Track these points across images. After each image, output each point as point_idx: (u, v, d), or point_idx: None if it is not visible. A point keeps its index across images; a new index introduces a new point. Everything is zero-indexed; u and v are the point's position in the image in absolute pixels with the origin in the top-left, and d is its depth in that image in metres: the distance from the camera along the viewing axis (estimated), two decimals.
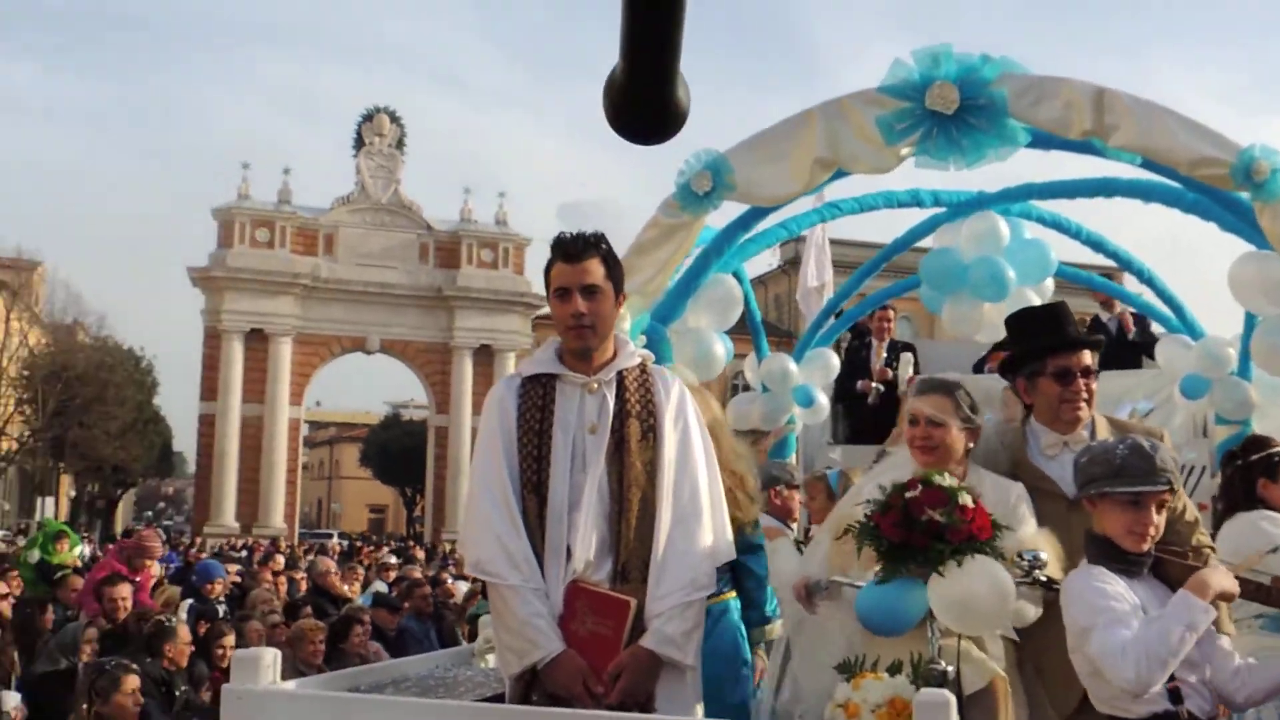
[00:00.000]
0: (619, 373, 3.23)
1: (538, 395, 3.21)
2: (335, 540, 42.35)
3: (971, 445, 3.58)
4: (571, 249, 3.20)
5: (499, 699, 3.22)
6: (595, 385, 3.19)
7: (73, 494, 52.24)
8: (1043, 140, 4.69)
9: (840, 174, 4.95)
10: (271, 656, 3.09)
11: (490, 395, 3.34)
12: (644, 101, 1.37)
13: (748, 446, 4.21)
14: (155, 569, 11.16)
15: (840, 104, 4.68)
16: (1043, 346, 3.78)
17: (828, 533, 3.73)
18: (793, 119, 4.85)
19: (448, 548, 31.33)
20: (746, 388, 8.46)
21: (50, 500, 42.63)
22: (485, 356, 49.77)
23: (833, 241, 11.16)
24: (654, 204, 5.07)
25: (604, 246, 3.24)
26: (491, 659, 3.77)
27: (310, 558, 20.09)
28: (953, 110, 4.38)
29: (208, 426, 46.91)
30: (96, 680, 5.46)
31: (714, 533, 3.20)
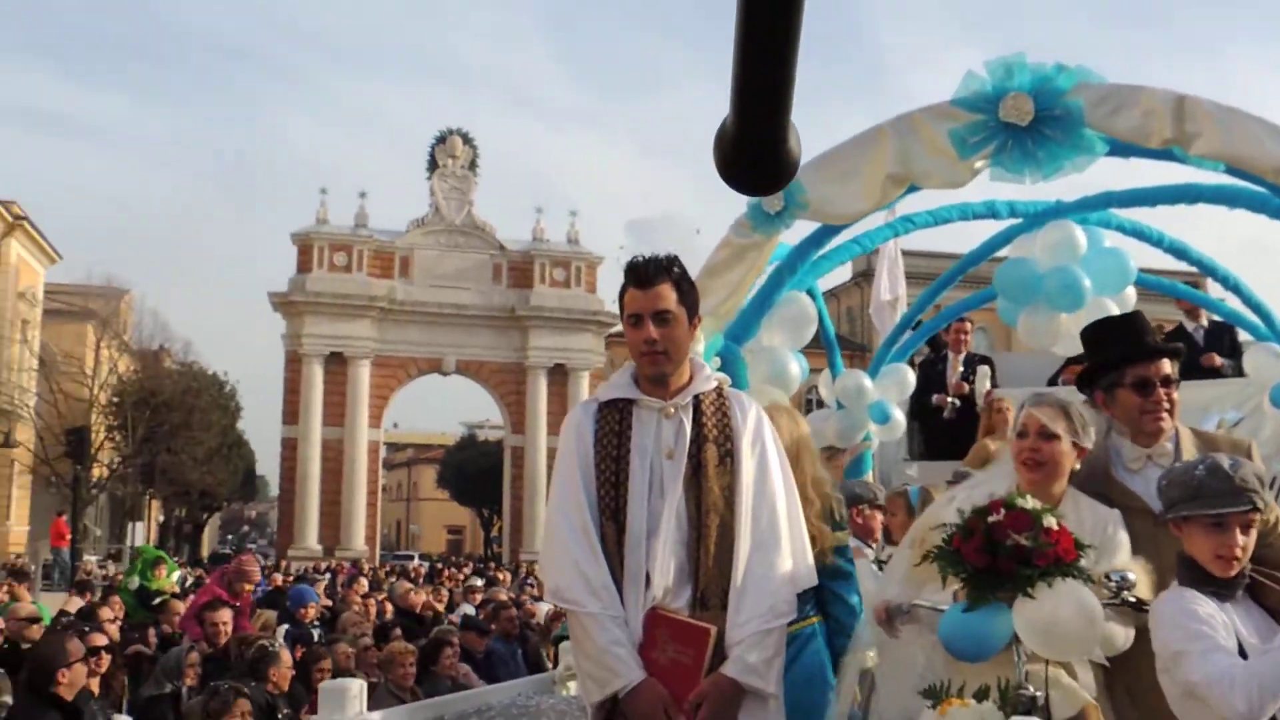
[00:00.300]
0: (695, 397, 3.20)
1: (614, 420, 3.20)
2: (417, 562, 42.79)
3: (1076, 465, 3.47)
4: (643, 274, 3.18)
5: None
6: (672, 410, 3.17)
7: (161, 518, 53.38)
8: (1121, 148, 4.59)
9: (913, 189, 4.90)
10: (358, 687, 3.12)
11: (567, 421, 3.34)
12: (756, 153, 1.37)
13: (827, 472, 4.13)
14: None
15: (911, 119, 4.63)
16: (1120, 356, 3.69)
17: (907, 550, 3.66)
18: (863, 135, 4.82)
19: (530, 568, 31.42)
20: (820, 404, 8.39)
21: (140, 525, 43.66)
22: (559, 376, 49.98)
23: (906, 253, 11.05)
24: (724, 219, 5.05)
25: (676, 270, 3.21)
26: (573, 686, 3.77)
27: (392, 580, 20.33)
28: (1027, 122, 4.31)
29: (290, 450, 47.67)
30: (210, 702, 5.62)
31: (793, 558, 3.16)
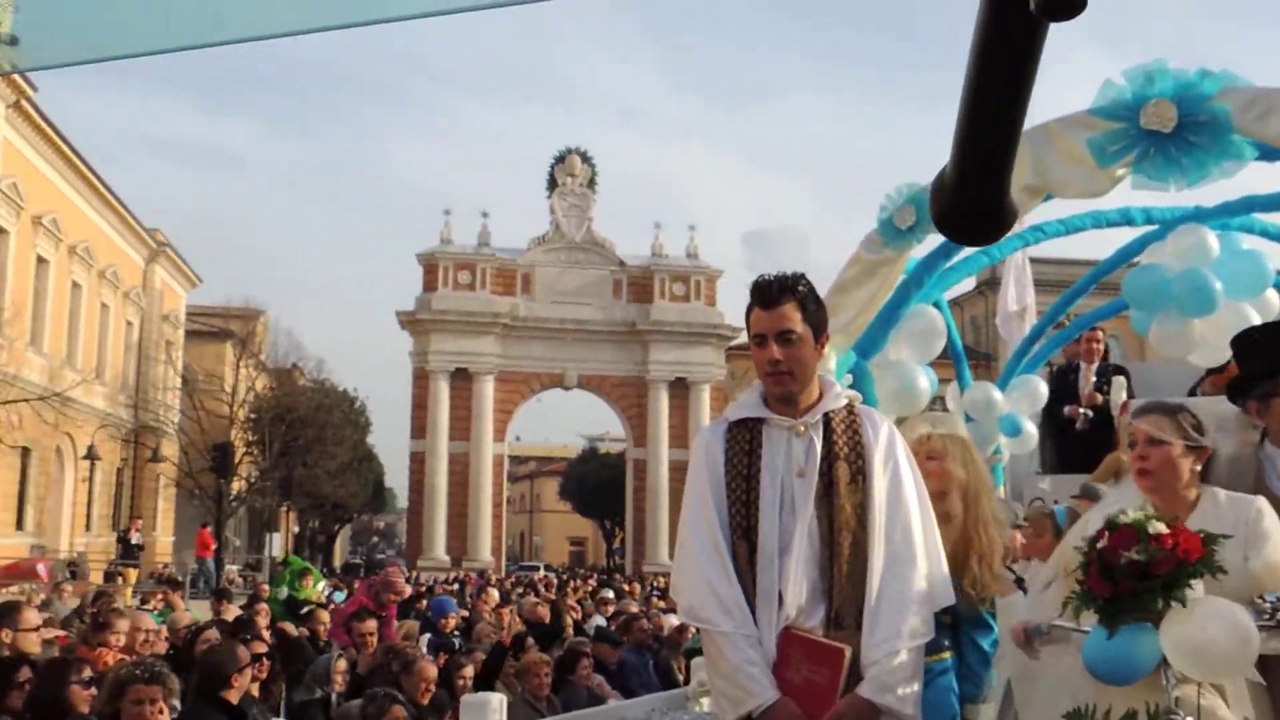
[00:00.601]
0: (826, 414, 3.16)
1: (744, 439, 3.17)
2: (543, 572, 43.21)
3: (1198, 467, 3.35)
4: (767, 294, 3.14)
5: None
6: (802, 428, 3.13)
7: (296, 530, 54.93)
8: (1271, 153, 4.40)
9: (1049, 198, 4.77)
10: (498, 701, 3.17)
11: (697, 440, 3.32)
12: (976, 205, 1.38)
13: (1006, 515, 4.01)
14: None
15: (1046, 129, 4.51)
16: (1275, 365, 3.56)
17: (1054, 584, 3.54)
18: None
19: (655, 580, 31.43)
20: None
21: (276, 536, 45.02)
22: (680, 389, 50.06)
23: (1035, 260, 10.79)
24: (839, 227, 4.97)
25: (802, 289, 3.15)
26: (706, 702, 3.76)
27: (519, 592, 20.57)
28: (1170, 128, 4.16)
29: (418, 464, 48.63)
30: (367, 707, 5.86)
31: (930, 576, 3.09)
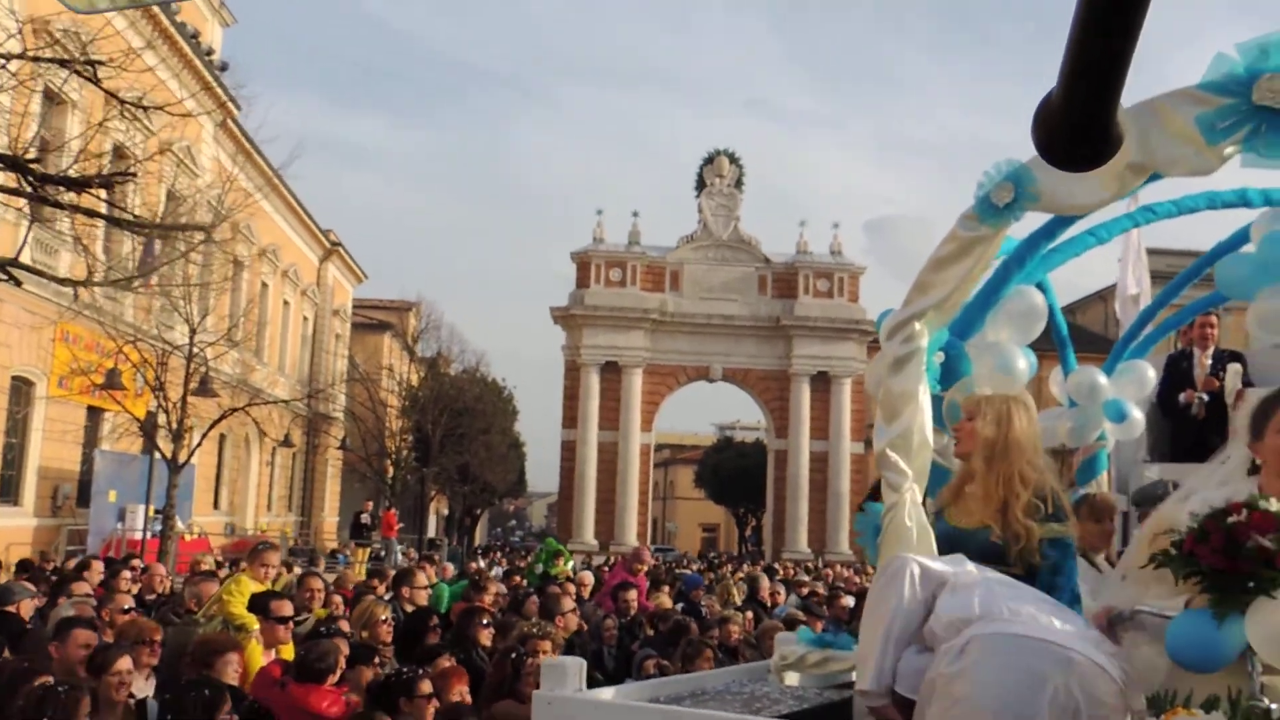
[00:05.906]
0: None
1: None
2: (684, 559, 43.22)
3: None
4: None
5: (798, 716, 3.09)
6: None
7: (445, 512, 56.11)
8: None
9: (1156, 177, 4.47)
10: (577, 665, 3.14)
11: None
12: (1085, 125, 1.31)
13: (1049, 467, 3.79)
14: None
15: (1153, 104, 4.23)
16: None
17: (1132, 552, 3.33)
18: None
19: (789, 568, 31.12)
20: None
21: (432, 519, 46.06)
22: (822, 383, 49.58)
23: (1153, 251, 10.30)
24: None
25: None
26: (789, 676, 3.66)
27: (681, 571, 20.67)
28: None
29: (569, 452, 49.24)
30: (686, 649, 7.41)
31: None
